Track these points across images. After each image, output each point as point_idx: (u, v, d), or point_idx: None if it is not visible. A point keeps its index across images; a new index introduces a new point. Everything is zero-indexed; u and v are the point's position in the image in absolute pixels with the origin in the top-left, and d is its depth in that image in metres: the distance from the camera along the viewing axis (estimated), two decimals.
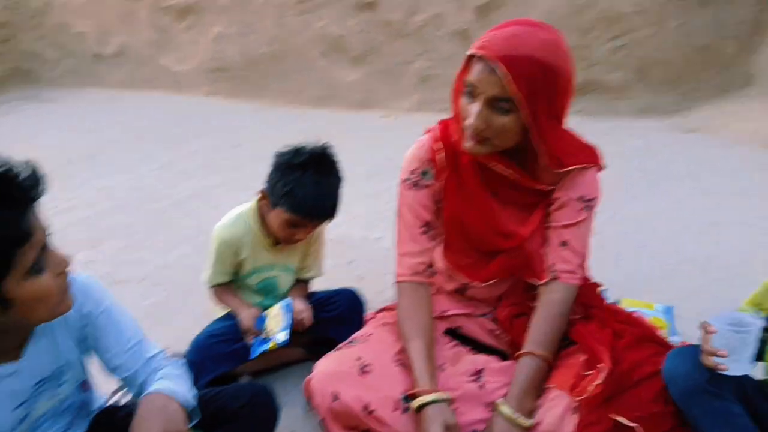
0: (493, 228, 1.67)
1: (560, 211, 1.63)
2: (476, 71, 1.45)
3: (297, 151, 1.89)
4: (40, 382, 1.28)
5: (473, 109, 1.47)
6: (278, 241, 2.00)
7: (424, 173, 1.69)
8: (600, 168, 1.65)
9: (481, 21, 4.16)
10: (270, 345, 1.86)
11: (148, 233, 3.06)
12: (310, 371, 1.72)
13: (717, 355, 1.28)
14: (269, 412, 1.55)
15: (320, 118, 4.64)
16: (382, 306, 1.98)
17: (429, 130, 1.73)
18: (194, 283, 2.56)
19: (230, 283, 2.04)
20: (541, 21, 1.54)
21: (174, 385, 1.32)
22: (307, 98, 4.91)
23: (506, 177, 1.61)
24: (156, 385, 1.30)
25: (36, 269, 1.12)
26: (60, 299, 1.19)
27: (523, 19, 1.54)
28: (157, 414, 1.20)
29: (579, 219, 1.61)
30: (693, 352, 1.37)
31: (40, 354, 1.27)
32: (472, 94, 1.48)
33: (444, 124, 1.69)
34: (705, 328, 1.33)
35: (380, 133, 4.29)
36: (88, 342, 1.36)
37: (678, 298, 2.19)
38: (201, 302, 2.36)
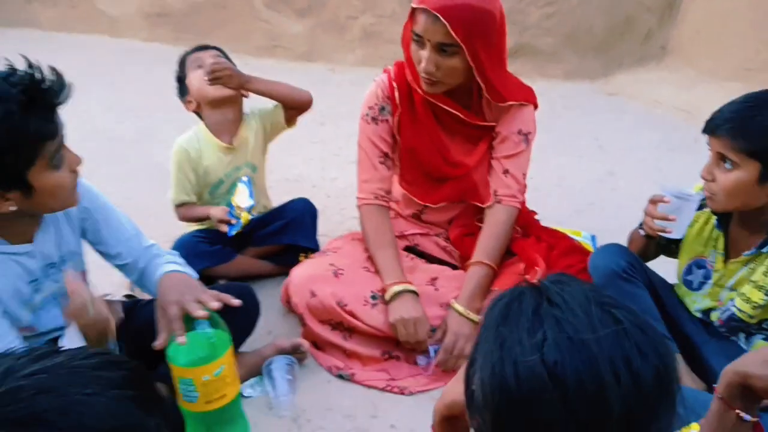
0: (443, 158, 1.90)
1: (502, 144, 1.88)
2: (421, 22, 1.64)
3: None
4: (48, 265, 1.42)
5: (423, 55, 1.67)
6: (228, 139, 2.14)
7: (381, 109, 1.89)
8: (536, 106, 1.92)
9: None
10: (243, 217, 2.01)
11: (104, 166, 3.10)
12: (281, 283, 1.92)
13: (666, 220, 1.57)
14: (254, 306, 1.75)
15: (264, 68, 4.69)
16: (349, 233, 2.17)
17: (385, 71, 1.93)
18: (157, 208, 2.65)
19: (195, 204, 2.16)
20: None
21: (182, 267, 1.49)
22: (251, 47, 4.94)
23: (454, 114, 1.85)
24: (166, 267, 1.46)
25: (55, 164, 1.27)
26: (70, 193, 1.34)
27: None
28: (179, 285, 1.38)
29: (518, 150, 1.88)
30: (613, 248, 1.68)
31: (47, 241, 1.42)
32: (421, 43, 1.67)
33: (399, 66, 1.90)
34: (654, 200, 1.60)
35: (326, 84, 4.43)
36: (87, 235, 1.52)
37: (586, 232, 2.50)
38: (166, 227, 2.48)
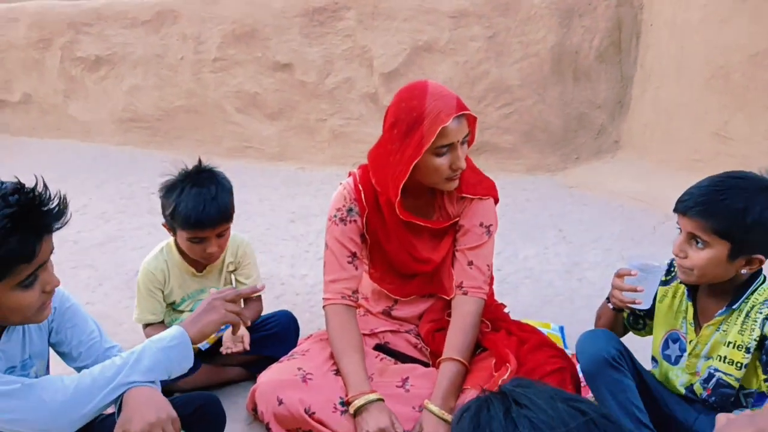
0: (411, 255, 1.94)
1: (465, 236, 1.94)
2: (453, 128, 1.71)
3: (174, 176, 2.05)
4: (10, 368, 1.38)
5: (458, 155, 1.74)
6: (201, 268, 2.15)
7: (349, 210, 1.94)
8: (496, 200, 1.99)
9: (386, 86, 4.59)
10: (209, 339, 1.96)
11: (69, 273, 3.07)
12: (248, 389, 1.88)
13: (634, 291, 1.62)
14: (218, 418, 1.70)
15: (237, 169, 4.81)
16: (317, 333, 2.16)
17: (350, 174, 2.00)
18: (122, 316, 2.63)
19: (161, 324, 2.13)
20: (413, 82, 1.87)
21: (144, 375, 1.44)
22: (223, 150, 5.07)
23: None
24: (129, 377, 1.41)
25: (26, 284, 1.26)
26: (35, 313, 1.32)
27: (408, 87, 1.83)
28: (144, 406, 1.33)
29: (481, 242, 1.93)
30: (602, 334, 1.70)
31: (12, 344, 1.39)
32: (450, 149, 1.74)
33: (363, 169, 1.97)
34: (620, 273, 1.66)
35: (296, 183, 4.54)
36: (52, 336, 1.49)
37: (555, 323, 2.53)
38: (129, 336, 2.43)
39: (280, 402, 1.74)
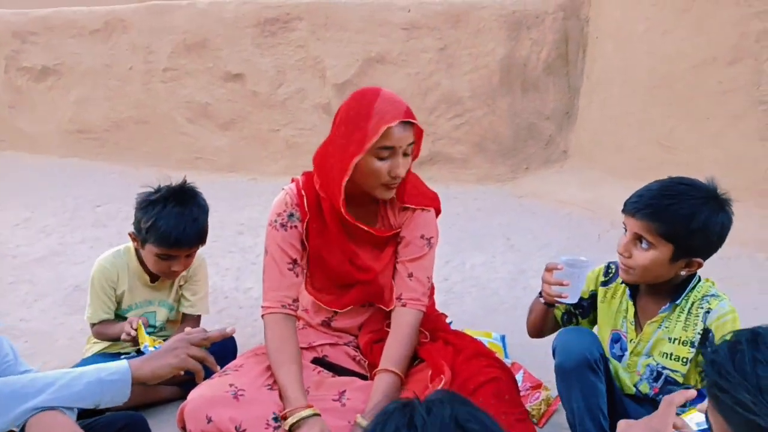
0: (351, 263, 1.92)
1: (406, 248, 1.93)
2: (396, 134, 1.71)
3: (156, 190, 2.04)
4: None
5: (398, 162, 1.74)
6: (155, 278, 2.12)
7: (290, 215, 1.91)
8: (438, 211, 2.00)
9: (339, 96, 4.59)
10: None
11: (6, 288, 2.97)
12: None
13: (561, 285, 1.67)
14: None
15: (188, 180, 4.74)
16: (254, 348, 2.14)
17: (293, 180, 1.99)
18: (57, 334, 2.56)
19: (114, 321, 2.11)
20: (364, 87, 1.89)
21: (54, 398, 1.38)
22: (173, 161, 4.99)
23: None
24: (35, 401, 1.36)
25: None
26: None
27: (361, 91, 1.85)
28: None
29: (422, 254, 1.92)
30: (589, 336, 1.71)
31: None
32: (391, 155, 1.74)
33: (307, 176, 1.95)
34: (549, 268, 1.70)
35: (248, 195, 4.49)
36: None
37: (497, 332, 2.54)
38: (66, 350, 2.37)
39: (209, 420, 1.69)
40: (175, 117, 5.01)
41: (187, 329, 1.49)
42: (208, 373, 1.63)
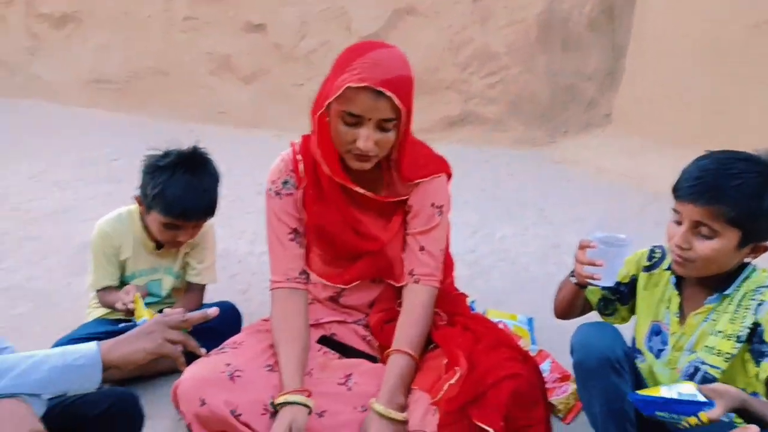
0: (355, 231, 1.74)
1: (415, 218, 1.74)
2: (362, 101, 1.50)
3: (165, 154, 1.90)
4: None
5: (363, 134, 1.53)
6: (160, 245, 1.98)
7: (284, 183, 1.75)
8: (449, 176, 1.79)
9: None
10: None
11: (15, 244, 2.88)
12: None
13: (594, 265, 1.46)
14: (132, 420, 1.51)
15: (208, 135, 4.57)
16: (258, 322, 1.99)
17: (291, 144, 1.79)
18: (62, 294, 2.46)
19: (118, 288, 1.99)
20: (381, 40, 1.67)
21: (18, 384, 1.24)
22: (194, 115, 4.83)
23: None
24: None
25: None
26: None
27: (367, 42, 1.65)
28: (6, 424, 1.14)
29: (433, 224, 1.73)
30: (611, 332, 1.51)
31: None
32: (358, 122, 1.54)
33: (305, 139, 1.76)
34: (582, 245, 1.50)
35: (271, 151, 4.30)
36: None
37: (527, 313, 2.32)
38: (68, 314, 2.26)
39: (203, 402, 1.55)
40: (196, 68, 4.82)
41: (166, 310, 1.34)
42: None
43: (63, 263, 2.74)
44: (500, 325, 2.10)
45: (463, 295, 1.98)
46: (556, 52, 4.22)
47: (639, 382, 1.55)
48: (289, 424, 1.50)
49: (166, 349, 1.26)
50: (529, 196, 3.59)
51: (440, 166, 1.76)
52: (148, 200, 1.89)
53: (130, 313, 1.87)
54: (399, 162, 1.66)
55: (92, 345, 1.24)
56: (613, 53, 4.31)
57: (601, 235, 1.50)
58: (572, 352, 1.53)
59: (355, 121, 1.54)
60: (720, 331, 1.44)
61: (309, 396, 1.58)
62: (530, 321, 2.23)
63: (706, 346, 1.46)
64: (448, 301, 1.84)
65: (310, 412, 1.56)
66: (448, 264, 1.88)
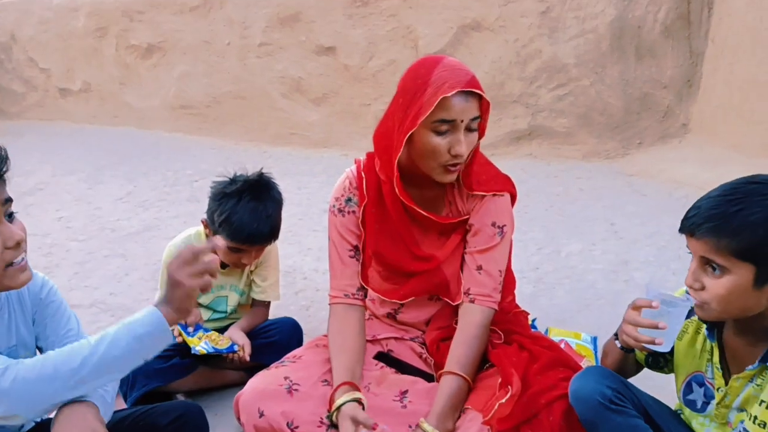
0: (411, 252, 1.76)
1: (475, 237, 1.74)
2: (455, 105, 1.52)
3: (232, 180, 2.00)
4: None
5: (458, 138, 1.54)
6: (226, 264, 2.08)
7: (348, 200, 1.79)
8: (514, 197, 1.77)
9: None
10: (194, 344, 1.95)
11: (101, 261, 3.09)
12: None
13: (656, 328, 1.31)
14: (199, 429, 1.60)
15: (281, 156, 4.75)
16: (318, 337, 2.04)
17: (356, 161, 1.84)
18: (141, 308, 2.60)
19: None
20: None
21: (97, 367, 1.32)
22: (268, 136, 5.03)
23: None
24: (73, 392, 1.32)
25: None
26: (7, 274, 1.22)
27: (421, 60, 1.65)
28: (74, 428, 1.24)
29: (492, 244, 1.72)
30: (594, 373, 1.44)
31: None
32: (451, 129, 1.55)
33: (369, 157, 1.80)
34: (638, 305, 1.35)
35: (339, 170, 4.40)
36: (35, 325, 1.43)
37: (592, 332, 2.25)
38: None
39: (261, 414, 1.62)
40: (270, 92, 5.02)
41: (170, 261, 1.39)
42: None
43: (145, 279, 2.92)
44: (562, 344, 2.06)
45: (524, 314, 1.96)
46: (629, 60, 4.09)
47: (652, 421, 1.42)
48: (351, 421, 1.54)
49: (196, 282, 1.28)
50: (599, 210, 3.48)
51: (505, 185, 1.75)
52: (215, 225, 1.99)
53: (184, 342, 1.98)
54: (470, 166, 1.66)
55: (151, 309, 1.31)
56: (690, 60, 4.13)
57: (660, 293, 1.34)
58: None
59: (448, 128, 1.55)
60: (764, 401, 1.27)
61: (355, 388, 1.62)
62: (594, 340, 2.16)
63: (754, 416, 1.29)
64: (507, 320, 1.81)
65: (362, 406, 1.60)
66: (509, 282, 1.86)
